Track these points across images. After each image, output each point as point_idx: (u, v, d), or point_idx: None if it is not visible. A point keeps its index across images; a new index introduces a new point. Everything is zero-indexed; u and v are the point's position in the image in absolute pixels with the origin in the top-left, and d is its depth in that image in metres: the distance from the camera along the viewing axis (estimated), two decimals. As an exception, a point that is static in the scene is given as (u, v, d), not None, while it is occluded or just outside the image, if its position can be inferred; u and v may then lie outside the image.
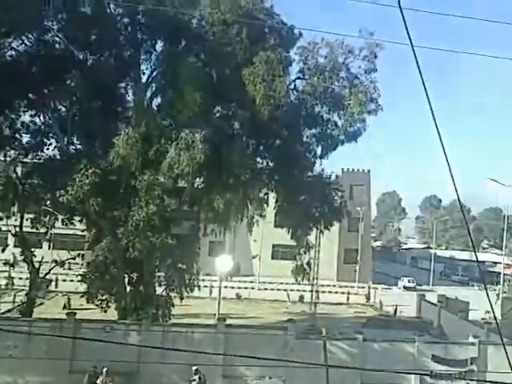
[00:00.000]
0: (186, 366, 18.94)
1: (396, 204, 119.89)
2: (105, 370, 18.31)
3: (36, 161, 22.86)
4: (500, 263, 53.54)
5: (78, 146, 22.99)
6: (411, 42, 2.69)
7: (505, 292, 42.82)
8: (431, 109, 2.67)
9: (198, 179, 21.75)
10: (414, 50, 2.63)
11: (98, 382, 18.25)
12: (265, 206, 24.92)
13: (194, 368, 18.28)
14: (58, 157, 22.70)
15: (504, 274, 50.14)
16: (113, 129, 19.92)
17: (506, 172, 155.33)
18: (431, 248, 74.65)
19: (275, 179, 24.12)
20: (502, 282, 48.27)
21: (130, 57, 21.73)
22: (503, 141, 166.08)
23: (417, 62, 2.64)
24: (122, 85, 22.92)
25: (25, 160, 23.21)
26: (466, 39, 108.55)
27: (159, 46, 22.09)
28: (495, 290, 49.43)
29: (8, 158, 22.34)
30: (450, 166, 2.54)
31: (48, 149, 22.81)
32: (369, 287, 47.92)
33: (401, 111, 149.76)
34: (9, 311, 29.44)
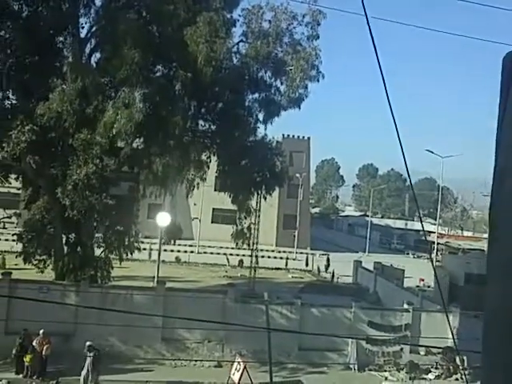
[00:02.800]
0: (124, 327, 19.12)
1: (334, 171, 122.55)
2: (41, 331, 18.24)
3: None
4: (433, 232, 56.06)
5: (14, 102, 21.99)
6: (365, 12, 2.81)
7: (438, 261, 45.13)
8: (383, 80, 2.80)
9: (137, 139, 21.41)
10: (367, 20, 2.77)
11: (34, 343, 18.16)
12: (206, 169, 25.02)
13: (87, 344, 17.54)
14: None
15: (438, 244, 52.40)
16: (50, 85, 19.13)
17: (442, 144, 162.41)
18: (367, 216, 77.39)
19: (217, 142, 24.10)
20: (435, 252, 50.03)
21: (68, 10, 20.80)
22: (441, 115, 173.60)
23: (371, 34, 2.77)
24: (60, 39, 21.95)
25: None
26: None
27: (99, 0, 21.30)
28: (429, 258, 51.89)
29: None
30: (400, 138, 2.70)
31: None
32: (307, 253, 49.43)
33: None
34: None
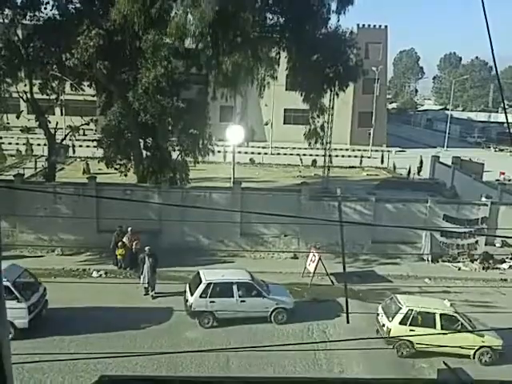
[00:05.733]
0: (206, 224, 20.13)
1: (414, 63, 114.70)
2: (129, 229, 19.52)
3: (36, 22, 21.92)
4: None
5: (78, 5, 21.78)
6: None
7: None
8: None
9: (204, 39, 20.85)
10: None
11: (125, 239, 19.53)
12: (276, 66, 24.19)
13: (146, 248, 17.85)
14: (58, 17, 21.61)
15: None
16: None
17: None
18: (448, 109, 73.32)
19: (286, 37, 22.94)
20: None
21: None
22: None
23: None
24: None
25: (24, 22, 22.24)
26: None
27: None
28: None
29: (6, 20, 21.42)
30: (488, 20, 2.24)
31: (46, 8, 21.61)
32: (382, 150, 48.15)
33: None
34: (33, 176, 30.76)
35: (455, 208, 22.71)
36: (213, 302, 15.46)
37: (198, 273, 16.30)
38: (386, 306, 15.41)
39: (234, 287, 15.69)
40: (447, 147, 56.05)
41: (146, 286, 17.58)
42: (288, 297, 16.54)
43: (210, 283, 15.55)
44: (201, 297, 15.44)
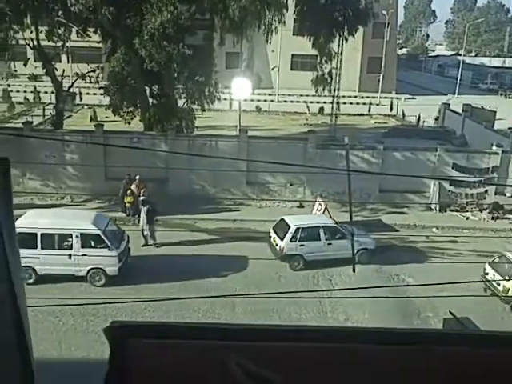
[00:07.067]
0: (212, 172, 20.29)
1: (425, 6, 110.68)
2: (137, 177, 19.71)
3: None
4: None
5: None
6: None
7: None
8: None
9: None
10: None
11: (133, 187, 19.77)
12: (283, 10, 23.50)
13: (140, 199, 17.89)
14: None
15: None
16: None
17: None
18: (460, 55, 71.38)
19: (294, -21, 22.34)
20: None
21: None
22: None
23: None
24: None
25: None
26: None
27: None
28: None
29: None
30: None
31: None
32: (392, 97, 47.35)
33: None
34: (41, 124, 30.78)
35: (465, 157, 22.45)
36: (302, 245, 16.29)
37: (283, 219, 16.97)
38: (496, 265, 15.43)
39: (321, 231, 16.54)
40: (458, 94, 54.94)
41: (144, 235, 17.75)
42: (370, 238, 17.13)
43: (299, 228, 16.34)
44: (291, 241, 16.21)
